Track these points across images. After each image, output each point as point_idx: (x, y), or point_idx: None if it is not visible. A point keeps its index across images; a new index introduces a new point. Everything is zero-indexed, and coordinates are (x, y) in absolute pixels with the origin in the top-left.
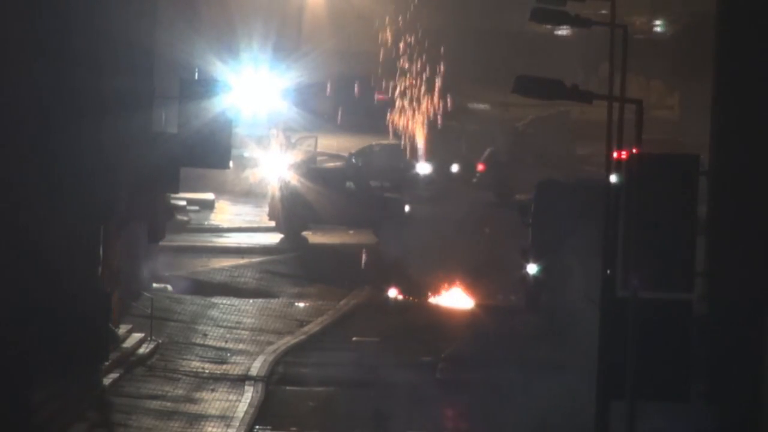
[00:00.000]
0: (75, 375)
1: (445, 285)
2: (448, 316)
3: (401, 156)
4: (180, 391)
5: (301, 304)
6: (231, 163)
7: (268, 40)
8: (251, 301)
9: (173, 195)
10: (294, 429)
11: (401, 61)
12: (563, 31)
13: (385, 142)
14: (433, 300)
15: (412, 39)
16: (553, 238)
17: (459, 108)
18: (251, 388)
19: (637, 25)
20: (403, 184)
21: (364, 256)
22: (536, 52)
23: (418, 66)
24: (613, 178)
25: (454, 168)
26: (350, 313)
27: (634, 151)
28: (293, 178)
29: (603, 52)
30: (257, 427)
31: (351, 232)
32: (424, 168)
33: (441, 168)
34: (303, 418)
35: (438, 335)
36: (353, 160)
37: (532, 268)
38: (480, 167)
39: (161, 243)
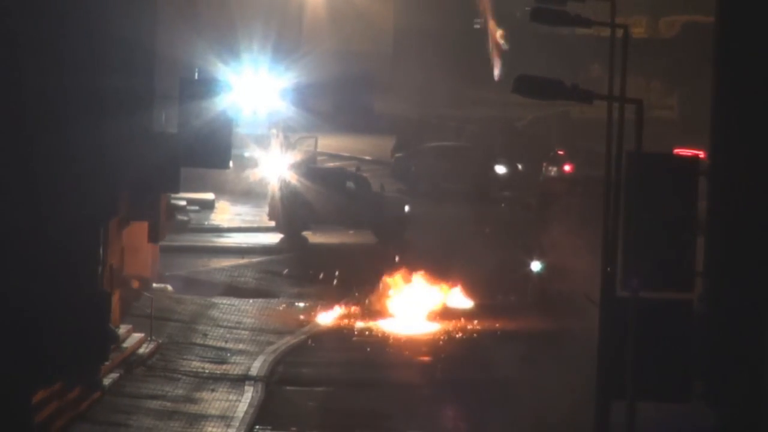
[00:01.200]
0: (75, 375)
1: (449, 283)
2: (450, 315)
3: (475, 157)
4: (180, 391)
5: (301, 304)
6: (231, 163)
7: (268, 39)
8: (251, 301)
9: (173, 195)
10: (294, 429)
11: None
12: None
13: (448, 143)
14: (436, 299)
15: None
16: (558, 234)
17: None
18: (251, 388)
19: (637, 26)
20: (483, 185)
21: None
22: (536, 51)
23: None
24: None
25: (519, 167)
26: (350, 313)
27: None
28: (293, 178)
29: (595, 52)
30: (257, 427)
31: (351, 232)
32: (501, 169)
33: (512, 168)
34: (303, 418)
35: (438, 334)
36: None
37: (536, 265)
38: (567, 168)
39: (161, 243)
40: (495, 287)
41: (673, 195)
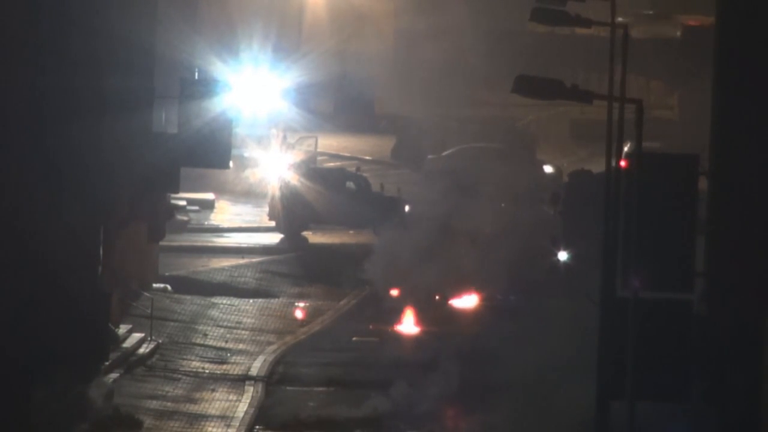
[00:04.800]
0: (75, 375)
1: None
2: (452, 314)
3: (516, 158)
4: (180, 391)
5: (301, 304)
6: (231, 163)
7: (268, 39)
8: (251, 301)
9: (173, 195)
10: (294, 429)
11: None
12: (564, 31)
13: (482, 144)
14: (439, 299)
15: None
16: (583, 225)
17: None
18: (251, 388)
19: (637, 27)
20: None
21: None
22: (535, 51)
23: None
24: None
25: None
26: (350, 313)
27: None
28: (293, 178)
29: (602, 52)
30: (257, 427)
31: (351, 232)
32: (548, 168)
33: (557, 168)
34: (303, 418)
35: (439, 334)
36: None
37: (563, 255)
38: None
39: (161, 243)
40: (498, 287)
41: (673, 195)
